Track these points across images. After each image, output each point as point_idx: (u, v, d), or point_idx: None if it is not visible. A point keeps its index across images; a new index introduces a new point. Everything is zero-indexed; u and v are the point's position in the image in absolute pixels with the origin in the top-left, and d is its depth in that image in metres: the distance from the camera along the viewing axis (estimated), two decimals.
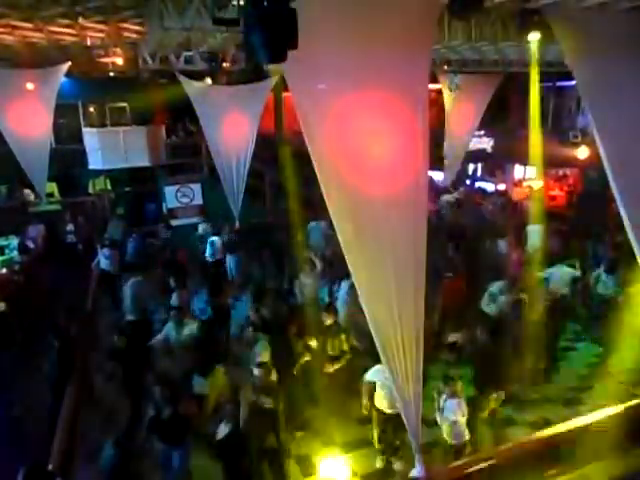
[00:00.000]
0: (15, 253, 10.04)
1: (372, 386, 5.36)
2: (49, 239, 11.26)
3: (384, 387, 5.15)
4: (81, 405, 5.91)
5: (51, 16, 6.94)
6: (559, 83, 16.47)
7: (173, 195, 13.29)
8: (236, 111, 10.46)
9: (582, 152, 14.84)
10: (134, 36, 8.54)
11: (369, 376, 5.39)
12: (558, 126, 17.37)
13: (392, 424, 5.21)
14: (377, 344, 4.06)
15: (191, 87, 10.33)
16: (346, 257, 3.96)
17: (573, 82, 5.25)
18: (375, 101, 4.05)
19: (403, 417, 4.20)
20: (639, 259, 5.04)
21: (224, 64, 10.00)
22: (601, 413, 5.60)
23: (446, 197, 13.29)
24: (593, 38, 4.75)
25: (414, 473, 4.36)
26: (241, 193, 10.92)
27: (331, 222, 10.66)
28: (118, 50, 9.78)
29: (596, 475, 4.40)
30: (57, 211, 12.72)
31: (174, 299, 7.47)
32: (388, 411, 5.18)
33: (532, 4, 6.39)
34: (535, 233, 10.04)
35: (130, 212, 13.67)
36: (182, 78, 10.17)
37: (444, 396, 4.98)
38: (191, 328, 6.46)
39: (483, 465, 4.52)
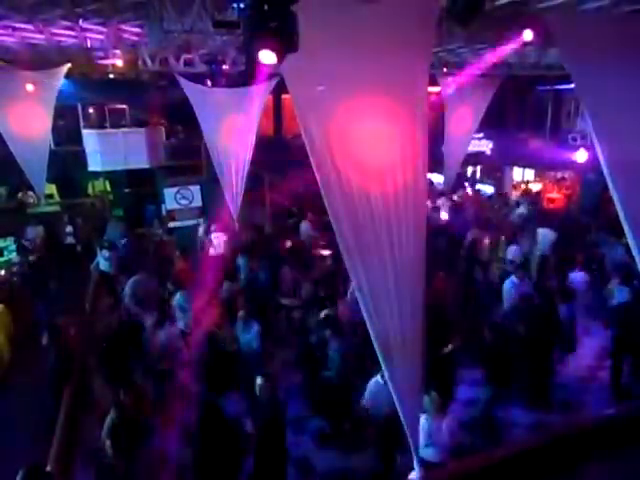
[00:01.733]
0: (14, 255, 10.05)
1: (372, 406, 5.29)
2: (48, 241, 11.26)
3: (387, 397, 5.14)
4: (79, 406, 5.91)
5: (51, 18, 6.95)
6: (557, 86, 16.51)
7: (172, 197, 13.29)
8: (235, 113, 10.47)
9: (581, 155, 14.87)
10: (134, 38, 8.56)
11: (367, 399, 5.28)
12: (557, 129, 17.41)
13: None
14: (375, 344, 4.06)
15: (191, 89, 10.35)
16: (344, 258, 3.97)
17: (572, 85, 5.25)
18: (375, 103, 4.06)
19: (402, 418, 4.20)
20: (638, 262, 5.05)
21: (224, 66, 10.01)
22: (600, 414, 5.64)
23: (442, 200, 13.31)
24: (592, 41, 4.76)
25: (413, 476, 4.36)
26: (240, 195, 10.93)
27: (314, 223, 10.81)
28: (118, 52, 9.78)
29: (595, 476, 4.41)
30: (56, 212, 12.73)
31: (177, 299, 7.49)
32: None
33: (531, 7, 6.42)
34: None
35: (129, 214, 13.68)
36: (182, 80, 10.20)
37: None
38: (166, 332, 6.45)
39: (483, 467, 4.53)
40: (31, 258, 9.73)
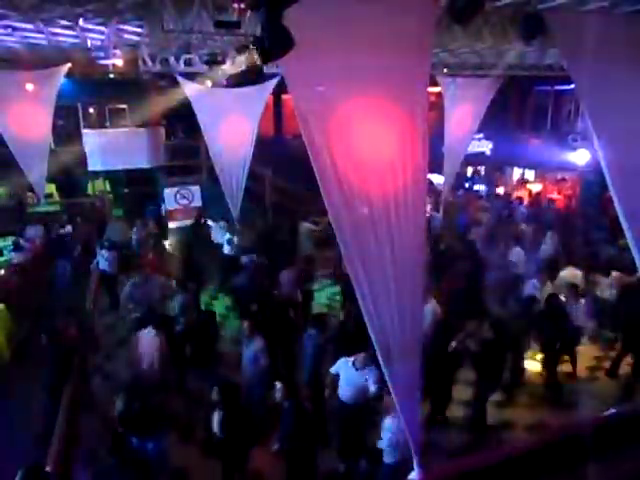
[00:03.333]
0: (14, 254, 10.04)
1: (337, 378, 5.42)
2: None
3: (348, 379, 5.25)
4: (79, 406, 5.90)
5: (51, 17, 6.94)
6: (558, 87, 16.51)
7: (172, 197, 13.30)
8: (236, 113, 10.47)
9: (581, 156, 14.88)
10: (134, 38, 8.54)
11: (335, 369, 5.46)
12: (557, 130, 17.41)
13: (353, 417, 5.26)
14: (375, 345, 4.06)
15: (191, 89, 10.35)
16: (344, 258, 3.97)
17: (572, 86, 5.27)
18: (375, 103, 4.06)
19: (402, 419, 4.19)
20: (637, 262, 5.05)
21: (224, 66, 10.00)
22: (599, 415, 5.63)
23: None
24: (592, 41, 4.76)
25: (412, 476, 4.35)
26: (240, 195, 10.92)
27: (313, 222, 10.87)
28: (118, 52, 9.78)
29: (593, 477, 4.40)
30: (56, 212, 12.73)
31: (177, 302, 7.40)
32: (349, 402, 5.27)
33: (531, 7, 6.41)
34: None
35: (129, 214, 13.70)
36: (182, 80, 10.20)
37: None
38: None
39: (483, 467, 4.53)
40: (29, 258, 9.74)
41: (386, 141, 4.10)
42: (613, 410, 5.92)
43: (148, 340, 6.13)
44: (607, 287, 8.09)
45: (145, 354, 6.08)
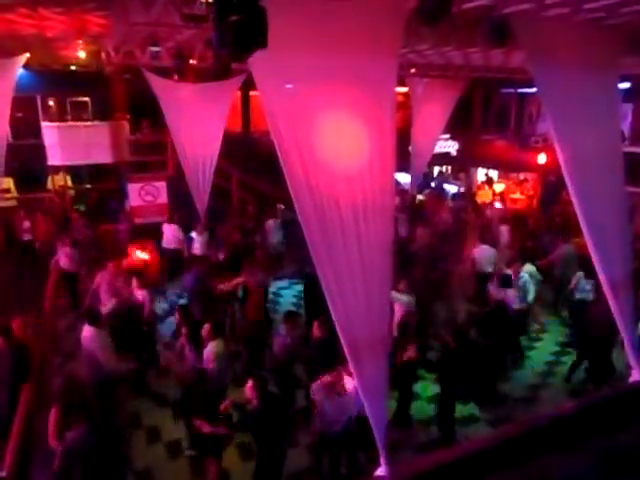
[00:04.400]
0: None
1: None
2: (4, 237, 10.84)
3: None
4: (38, 406, 5.72)
5: (8, 5, 6.65)
6: (521, 90, 16.98)
7: (137, 193, 12.95)
8: (203, 109, 10.31)
9: (542, 157, 15.34)
10: (97, 29, 8.28)
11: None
12: (519, 132, 17.90)
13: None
14: (342, 341, 4.08)
15: (157, 83, 10.13)
16: (313, 257, 3.96)
17: (533, 89, 5.42)
18: (343, 103, 4.07)
19: (368, 415, 4.23)
20: (594, 257, 5.25)
21: (191, 61, 9.82)
22: (558, 410, 5.83)
23: None
24: (554, 47, 4.92)
25: (379, 472, 4.39)
26: (207, 192, 10.77)
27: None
28: (80, 43, 9.46)
29: (553, 471, 4.55)
30: (13, 207, 12.26)
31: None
32: None
33: (497, 12, 6.54)
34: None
35: (91, 210, 13.30)
36: (148, 74, 9.96)
37: None
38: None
39: (449, 461, 4.61)
40: None
41: (354, 140, 4.11)
42: (571, 404, 6.15)
43: (90, 336, 6.09)
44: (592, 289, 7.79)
45: (87, 350, 6.07)
